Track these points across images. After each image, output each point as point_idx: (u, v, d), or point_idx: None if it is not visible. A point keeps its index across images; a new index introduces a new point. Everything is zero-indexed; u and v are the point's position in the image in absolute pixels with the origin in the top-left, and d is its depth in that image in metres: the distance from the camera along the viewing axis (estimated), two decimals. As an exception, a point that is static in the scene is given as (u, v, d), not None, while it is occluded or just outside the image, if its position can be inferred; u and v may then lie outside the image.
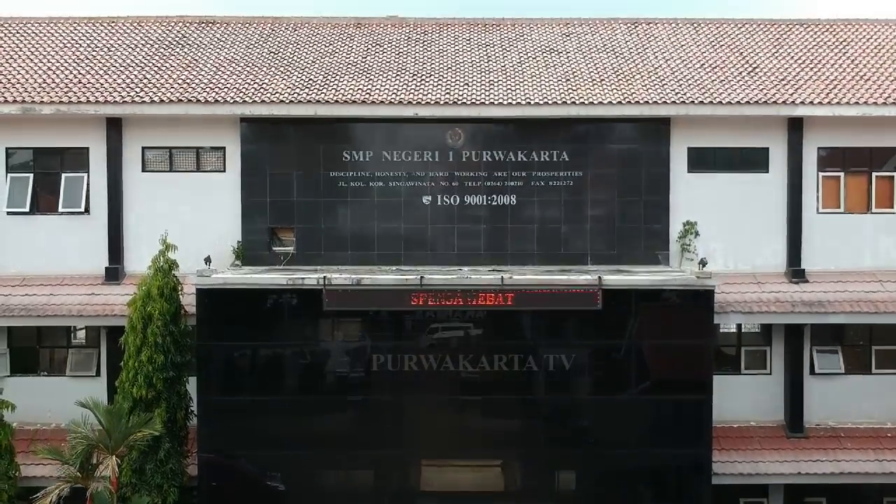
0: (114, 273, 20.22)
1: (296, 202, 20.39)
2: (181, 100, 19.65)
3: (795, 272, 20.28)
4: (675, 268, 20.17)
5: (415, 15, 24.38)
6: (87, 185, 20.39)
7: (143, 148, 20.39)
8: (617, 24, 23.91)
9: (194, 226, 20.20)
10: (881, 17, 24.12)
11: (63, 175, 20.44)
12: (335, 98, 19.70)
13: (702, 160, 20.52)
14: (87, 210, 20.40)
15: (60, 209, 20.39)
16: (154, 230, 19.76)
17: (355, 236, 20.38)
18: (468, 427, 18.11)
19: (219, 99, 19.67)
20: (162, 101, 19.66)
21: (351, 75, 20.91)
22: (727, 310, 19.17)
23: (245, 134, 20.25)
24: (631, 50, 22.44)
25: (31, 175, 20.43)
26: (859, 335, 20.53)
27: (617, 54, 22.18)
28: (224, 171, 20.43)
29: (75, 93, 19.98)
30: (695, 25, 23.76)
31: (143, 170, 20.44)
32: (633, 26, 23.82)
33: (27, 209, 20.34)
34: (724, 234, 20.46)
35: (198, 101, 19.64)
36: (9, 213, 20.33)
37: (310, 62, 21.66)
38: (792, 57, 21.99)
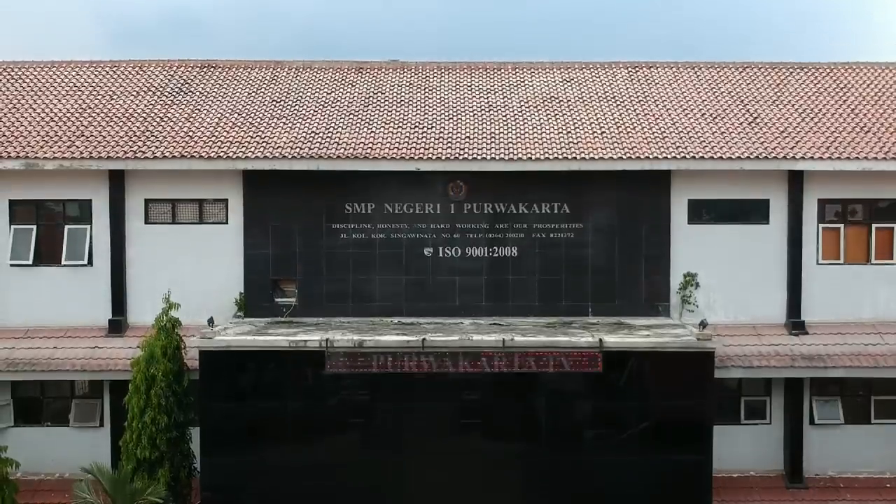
0: (117, 325, 20.33)
1: (298, 254, 20.50)
2: (183, 155, 19.74)
3: (795, 324, 20.37)
4: (675, 319, 20.28)
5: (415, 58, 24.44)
6: (90, 236, 20.49)
7: (146, 200, 20.49)
8: (617, 69, 23.97)
9: (197, 277, 20.35)
10: (881, 61, 24.17)
11: (66, 227, 20.54)
12: (337, 154, 19.78)
13: (702, 211, 20.62)
14: (90, 262, 20.50)
15: (63, 261, 20.49)
16: (157, 281, 20.08)
17: (357, 287, 20.49)
18: (468, 482, 18.15)
19: (221, 154, 19.75)
20: (164, 156, 19.72)
21: (353, 126, 20.99)
22: (727, 364, 19.27)
23: (247, 186, 20.34)
24: (631, 97, 22.50)
25: (35, 227, 20.52)
26: (859, 385, 20.60)
27: (617, 102, 22.24)
28: (226, 222, 20.53)
29: (78, 147, 20.07)
30: (695, 69, 23.82)
31: (146, 221, 20.53)
32: (633, 70, 23.88)
33: (30, 261, 20.44)
34: (724, 285, 20.55)
35: (200, 156, 19.72)
36: (12, 265, 20.41)
37: (311, 111, 21.72)
38: (793, 105, 22.06)
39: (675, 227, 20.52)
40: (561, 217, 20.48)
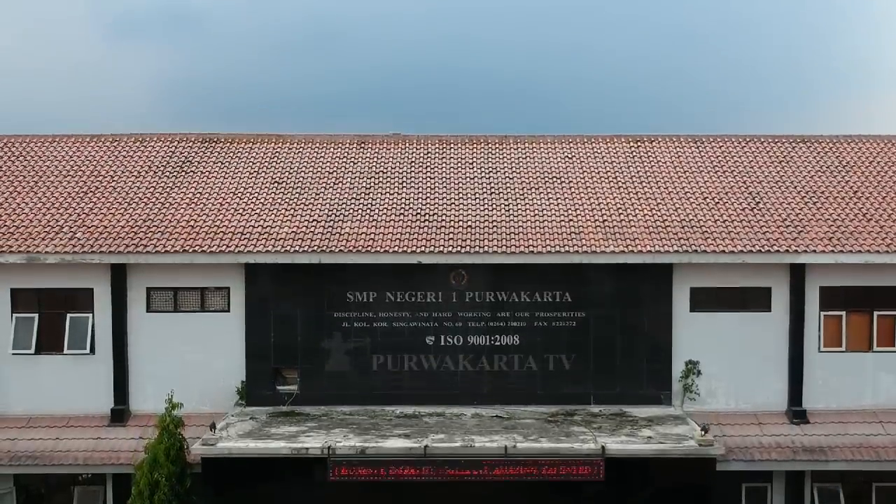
0: (119, 414, 20.36)
1: (299, 342, 20.52)
2: (185, 250, 19.72)
3: (796, 413, 20.40)
4: (677, 408, 20.33)
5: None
6: (92, 325, 20.49)
7: (148, 289, 20.48)
8: (619, 143, 23.94)
9: (199, 364, 20.41)
10: (883, 134, 24.15)
11: (68, 315, 20.53)
12: (339, 247, 19.77)
13: (704, 300, 20.60)
14: (92, 350, 20.51)
15: (66, 350, 20.50)
16: (159, 369, 20.26)
17: (358, 376, 20.52)
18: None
19: (223, 248, 19.74)
20: (166, 250, 19.71)
21: (354, 213, 20.97)
22: (729, 457, 19.27)
23: (249, 275, 20.34)
24: (633, 177, 22.48)
25: (37, 315, 20.52)
26: (861, 472, 20.61)
27: (619, 183, 22.22)
28: (228, 310, 20.54)
29: (79, 238, 20.07)
30: (697, 144, 23.79)
31: (148, 310, 20.54)
32: (634, 145, 23.85)
33: (32, 350, 20.46)
34: (725, 373, 20.58)
35: (202, 250, 19.71)
36: (14, 354, 20.44)
37: (313, 195, 21.71)
38: (795, 187, 22.05)
39: (677, 314, 20.52)
40: (563, 305, 20.49)
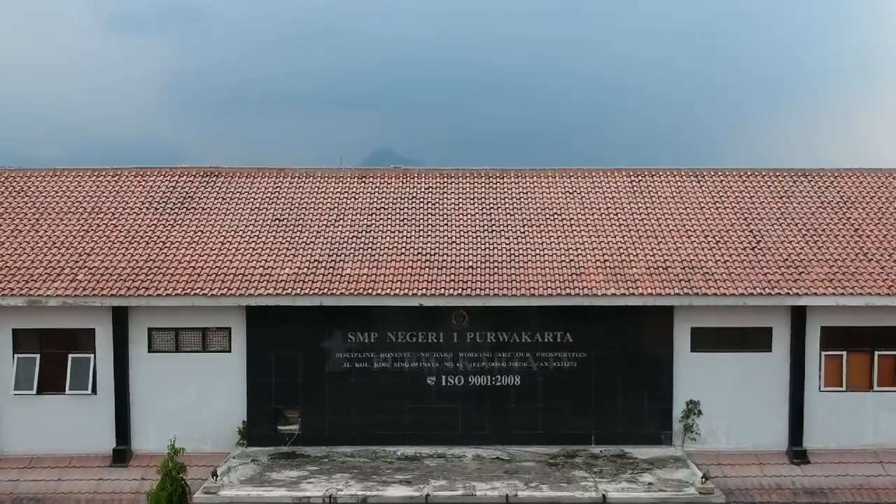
0: (121, 455, 20.41)
1: (300, 382, 20.57)
2: (186, 293, 19.74)
3: (797, 452, 20.45)
4: (678, 448, 20.37)
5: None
6: (94, 365, 20.53)
7: (150, 329, 20.52)
8: (620, 177, 23.94)
9: (200, 404, 20.49)
10: (884, 168, 24.15)
11: (70, 355, 20.57)
12: (340, 290, 19.78)
13: (705, 340, 20.63)
14: (93, 390, 20.55)
15: (67, 390, 20.54)
16: (161, 409, 20.38)
17: (359, 416, 20.56)
18: None
19: (224, 291, 19.75)
20: (168, 294, 19.73)
21: (356, 253, 20.97)
22: (730, 499, 19.31)
23: (250, 315, 20.37)
24: (634, 213, 22.49)
25: (38, 355, 20.56)
26: (861, 509, 20.68)
27: (620, 221, 22.22)
28: (230, 350, 20.58)
29: (80, 281, 20.08)
30: (698, 178, 23.79)
31: (150, 350, 20.58)
32: (636, 179, 23.84)
33: (34, 391, 20.50)
34: (726, 412, 20.62)
35: (203, 293, 19.72)
36: (15, 395, 20.48)
37: (314, 234, 21.73)
38: (796, 224, 22.05)
39: (678, 354, 20.56)
40: (564, 346, 20.53)
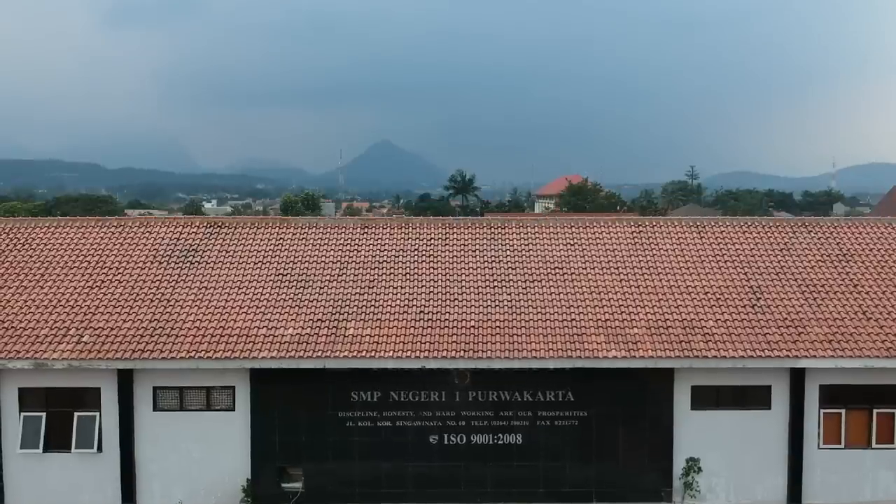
0: (127, 513, 20.62)
1: (304, 441, 20.75)
2: (191, 356, 19.91)
3: (796, 510, 20.66)
4: (678, 505, 20.58)
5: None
6: (100, 424, 20.71)
7: (155, 388, 20.70)
8: (621, 227, 24.07)
9: (205, 462, 20.70)
10: (884, 217, 24.24)
11: (76, 414, 20.75)
12: (343, 353, 19.95)
13: (704, 398, 20.82)
14: (99, 449, 20.73)
15: (73, 448, 20.72)
16: (165, 467, 20.61)
17: (363, 474, 20.75)
18: None
19: (228, 354, 19.92)
20: (172, 357, 19.90)
21: (359, 312, 21.12)
22: (728, 560, 19.57)
23: (254, 375, 20.54)
24: (635, 268, 22.63)
25: (44, 414, 20.74)
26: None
27: (621, 276, 22.37)
28: (234, 409, 20.76)
29: (86, 342, 20.24)
30: (699, 229, 23.92)
31: (155, 409, 20.76)
32: (637, 229, 23.97)
33: (40, 449, 20.67)
34: (725, 469, 20.82)
35: (208, 356, 19.90)
36: (21, 453, 20.66)
37: (318, 289, 21.87)
38: (795, 280, 22.20)
39: (678, 412, 20.74)
40: (565, 404, 20.72)
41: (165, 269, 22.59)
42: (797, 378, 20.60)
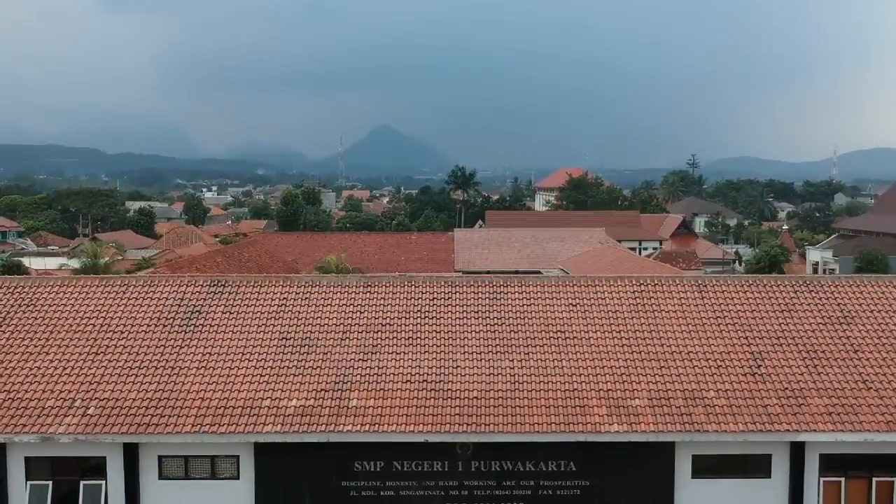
0: (132, 581, 20.83)
1: (309, 509, 20.94)
2: (196, 430, 20.07)
3: (795, 579, 20.87)
4: (678, 573, 20.78)
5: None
6: (106, 492, 20.89)
7: (160, 457, 20.87)
8: (623, 286, 24.18)
9: (210, 530, 20.84)
10: (883, 275, 24.35)
11: (82, 483, 20.93)
12: (346, 426, 20.11)
13: (705, 467, 20.99)
14: (105, 517, 20.93)
15: (79, 517, 20.91)
16: (171, 534, 20.61)
17: (367, 543, 20.95)
18: None
19: (232, 429, 20.08)
20: (177, 431, 20.05)
21: (362, 380, 21.27)
22: None
23: (259, 446, 20.69)
24: (637, 331, 22.75)
25: (50, 482, 20.92)
26: None
27: (623, 341, 22.49)
28: (238, 478, 20.94)
29: (92, 415, 20.40)
30: (700, 290, 24.04)
31: (160, 477, 20.94)
32: (639, 288, 24.09)
33: (47, 519, 20.88)
34: (726, 537, 21.02)
35: (212, 430, 20.06)
36: (29, 522, 20.88)
37: (321, 356, 22.01)
38: (796, 345, 22.33)
39: (679, 481, 20.93)
40: (567, 474, 20.89)
41: (169, 332, 22.72)
42: (797, 447, 20.76)
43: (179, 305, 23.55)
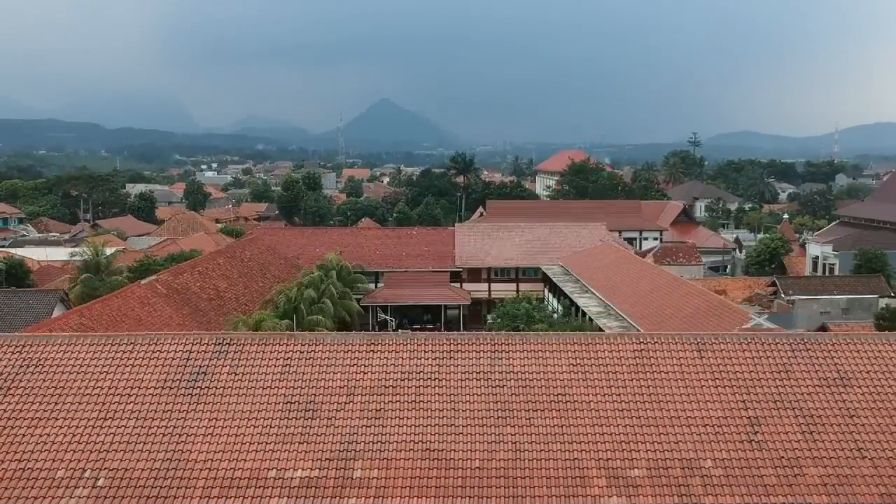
0: None
1: (314, 574, 21.40)
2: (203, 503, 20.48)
3: None
4: None
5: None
6: (115, 559, 21.34)
7: (167, 524, 21.28)
8: (623, 344, 24.50)
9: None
10: (883, 334, 24.64)
11: (91, 550, 21.37)
12: (351, 500, 20.52)
13: (703, 533, 21.41)
14: (115, 582, 21.40)
15: (89, 583, 21.39)
16: None
17: None
18: None
19: (238, 502, 20.47)
20: (186, 511, 20.46)
21: (366, 450, 21.64)
22: None
23: (264, 513, 21.13)
24: (636, 395, 23.10)
25: (60, 549, 21.37)
26: None
27: (622, 404, 22.85)
28: (245, 544, 21.37)
29: (101, 488, 20.79)
30: (699, 349, 24.35)
31: (168, 543, 21.37)
32: (639, 346, 24.42)
33: (58, 584, 21.35)
34: None
35: (220, 504, 20.48)
36: (41, 587, 21.35)
37: (325, 421, 22.38)
38: (793, 409, 22.68)
39: (676, 547, 21.36)
40: (567, 542, 21.31)
41: (176, 395, 23.08)
42: (793, 514, 21.20)
43: (185, 366, 23.89)
